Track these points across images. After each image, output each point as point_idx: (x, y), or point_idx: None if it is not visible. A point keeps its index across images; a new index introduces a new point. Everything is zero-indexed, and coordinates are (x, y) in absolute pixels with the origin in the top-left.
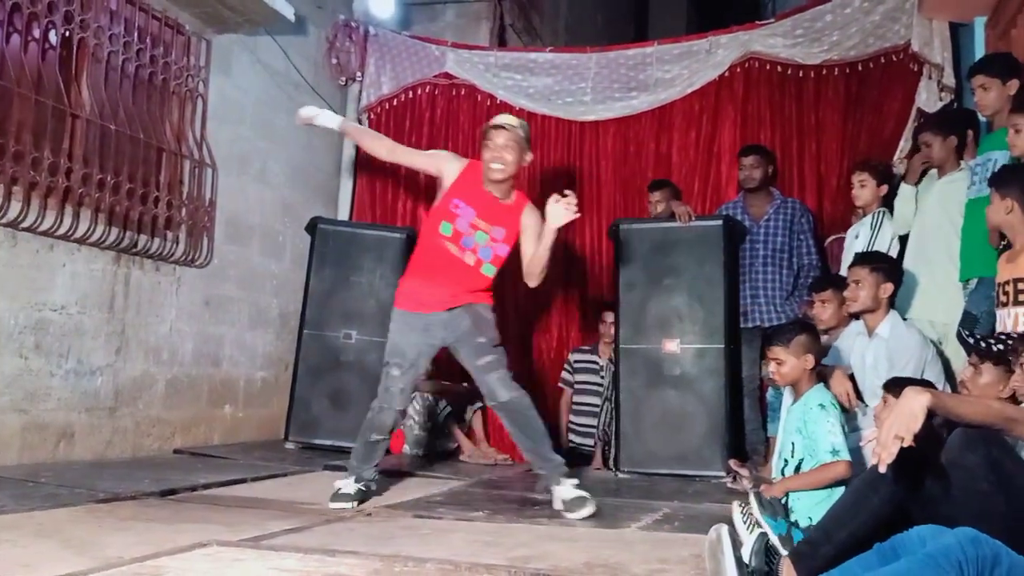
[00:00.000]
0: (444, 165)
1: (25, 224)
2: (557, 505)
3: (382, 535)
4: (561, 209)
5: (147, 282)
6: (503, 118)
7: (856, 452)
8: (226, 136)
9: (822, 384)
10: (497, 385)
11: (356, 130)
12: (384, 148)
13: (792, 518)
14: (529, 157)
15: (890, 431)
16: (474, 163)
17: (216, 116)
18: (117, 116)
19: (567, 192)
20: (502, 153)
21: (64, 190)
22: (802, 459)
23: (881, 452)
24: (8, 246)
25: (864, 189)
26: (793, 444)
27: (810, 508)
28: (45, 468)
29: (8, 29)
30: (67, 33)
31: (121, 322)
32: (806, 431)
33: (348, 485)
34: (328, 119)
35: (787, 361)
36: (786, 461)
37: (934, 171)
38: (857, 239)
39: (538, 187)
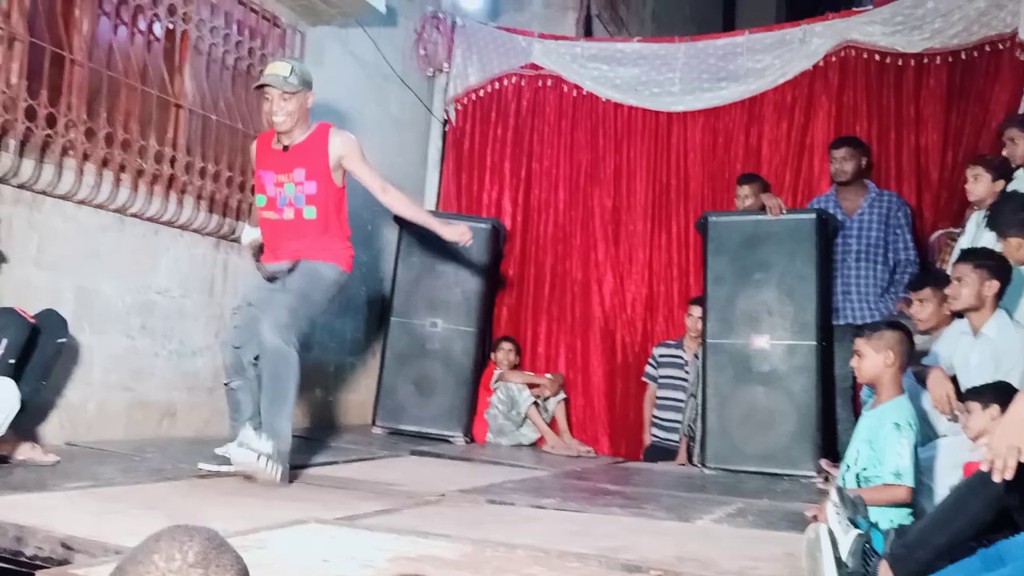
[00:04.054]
0: (250, 155)
1: (133, 210)
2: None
3: (470, 520)
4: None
5: (244, 267)
6: (274, 67)
7: (930, 462)
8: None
9: (905, 396)
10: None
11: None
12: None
13: (872, 519)
14: (311, 96)
15: (1003, 440)
16: (266, 132)
17: None
18: (217, 106)
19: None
20: (281, 103)
21: (168, 178)
22: (864, 468)
23: (995, 461)
24: (116, 230)
25: (978, 184)
26: (858, 452)
27: (886, 509)
28: (149, 444)
29: (116, 21)
30: (171, 25)
31: (220, 305)
32: (875, 445)
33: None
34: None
35: (867, 355)
36: (848, 467)
37: (1022, 172)
38: (964, 236)
39: (624, 178)
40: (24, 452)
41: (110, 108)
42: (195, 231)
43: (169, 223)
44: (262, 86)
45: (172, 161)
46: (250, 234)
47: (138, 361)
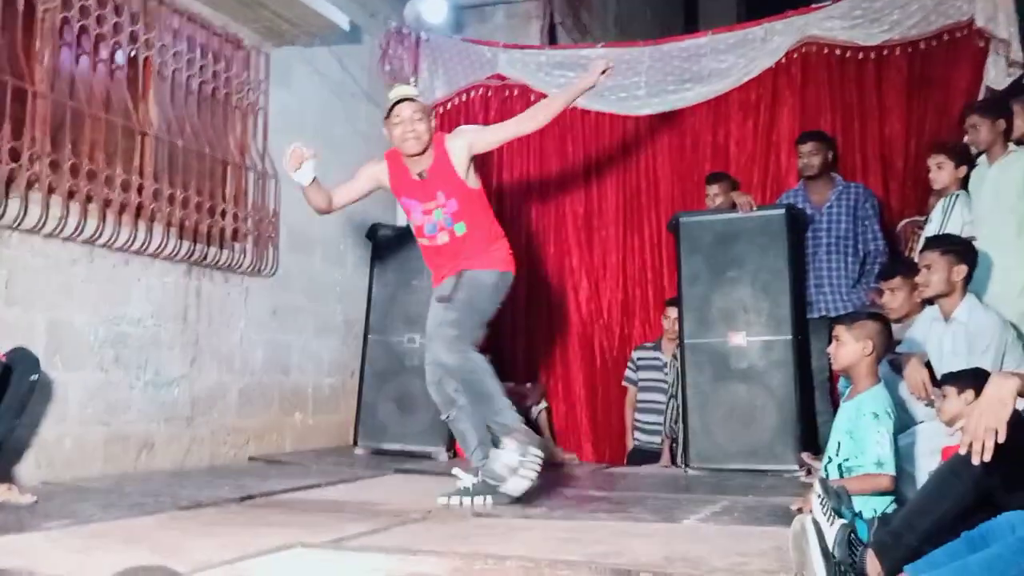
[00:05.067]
0: (374, 171)
1: (101, 241)
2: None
3: (459, 534)
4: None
5: (217, 293)
6: (402, 90)
7: (909, 448)
8: (287, 147)
9: (881, 385)
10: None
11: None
12: (326, 201)
13: (856, 508)
14: (435, 121)
15: (980, 422)
16: (392, 154)
17: (276, 127)
18: (183, 132)
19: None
20: (414, 125)
21: (136, 206)
22: (846, 459)
23: (973, 444)
24: (86, 262)
25: (941, 171)
26: (839, 443)
27: (869, 498)
28: (128, 478)
29: (78, 52)
30: (133, 53)
31: (195, 333)
32: (855, 435)
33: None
34: (303, 175)
35: (846, 343)
36: (830, 459)
37: (984, 158)
38: (930, 223)
39: (594, 184)
40: (1, 494)
41: (75, 139)
42: (166, 258)
43: (139, 252)
44: (398, 103)
45: (140, 189)
46: (307, 173)
47: (113, 394)
